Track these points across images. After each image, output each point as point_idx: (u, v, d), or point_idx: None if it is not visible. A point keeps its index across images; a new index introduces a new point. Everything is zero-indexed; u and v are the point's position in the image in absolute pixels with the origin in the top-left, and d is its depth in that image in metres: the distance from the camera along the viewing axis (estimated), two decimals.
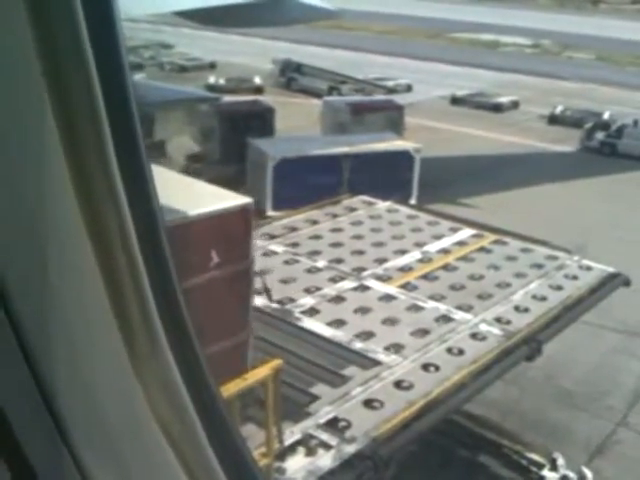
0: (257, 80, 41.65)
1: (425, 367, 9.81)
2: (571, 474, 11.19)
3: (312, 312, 11.10)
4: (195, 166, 24.47)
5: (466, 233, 14.78)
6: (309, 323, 10.75)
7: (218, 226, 7.62)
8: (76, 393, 1.25)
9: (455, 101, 40.86)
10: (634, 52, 58.59)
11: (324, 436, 8.24)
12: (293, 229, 14.50)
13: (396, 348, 10.19)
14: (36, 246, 1.16)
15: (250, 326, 8.50)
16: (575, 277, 12.97)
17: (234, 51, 49.94)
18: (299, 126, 29.10)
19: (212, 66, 46.45)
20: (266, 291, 10.66)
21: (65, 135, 1.12)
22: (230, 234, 7.89)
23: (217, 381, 1.48)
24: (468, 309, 11.50)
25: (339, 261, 13.05)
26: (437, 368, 9.79)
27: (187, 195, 7.24)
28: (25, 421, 1.23)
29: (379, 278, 12.51)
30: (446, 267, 13.14)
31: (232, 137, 24.67)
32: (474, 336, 10.70)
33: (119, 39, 1.16)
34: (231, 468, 1.44)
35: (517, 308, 11.65)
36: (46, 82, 1.09)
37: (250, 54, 49.19)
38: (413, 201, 21.34)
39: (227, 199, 8.09)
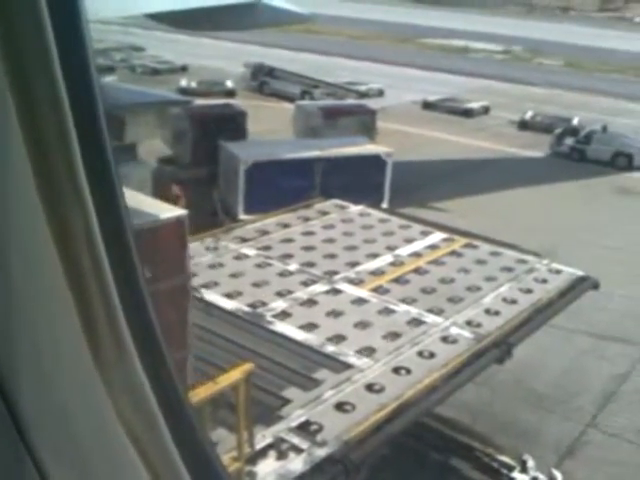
0: (229, 83, 41.55)
1: (396, 370, 9.82)
2: (541, 476, 11.27)
3: (284, 315, 11.07)
4: (167, 169, 24.34)
5: (437, 237, 14.86)
6: (281, 326, 10.72)
7: (150, 240, 7.15)
8: (40, 399, 1.23)
9: (427, 106, 41.10)
10: (601, 58, 59.50)
11: (295, 440, 8.21)
12: (265, 232, 14.46)
13: (368, 351, 10.20)
14: None
15: (189, 344, 8.10)
16: (545, 280, 13.08)
17: (205, 54, 49.80)
18: (271, 130, 29.08)
19: (184, 69, 46.24)
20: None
21: (29, 137, 1.09)
22: (163, 248, 7.46)
23: (187, 386, 1.47)
24: (439, 312, 11.55)
25: (311, 265, 13.04)
26: (408, 371, 9.80)
27: None
28: None
29: (351, 282, 12.52)
30: (417, 270, 13.19)
31: (204, 140, 24.56)
32: (445, 339, 10.74)
33: (86, 40, 1.14)
34: (199, 474, 1.43)
35: (487, 311, 11.72)
36: (9, 82, 1.06)
37: (222, 57, 49.09)
38: (385, 205, 21.39)
39: (160, 211, 7.66)
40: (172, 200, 21.13)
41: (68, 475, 1.27)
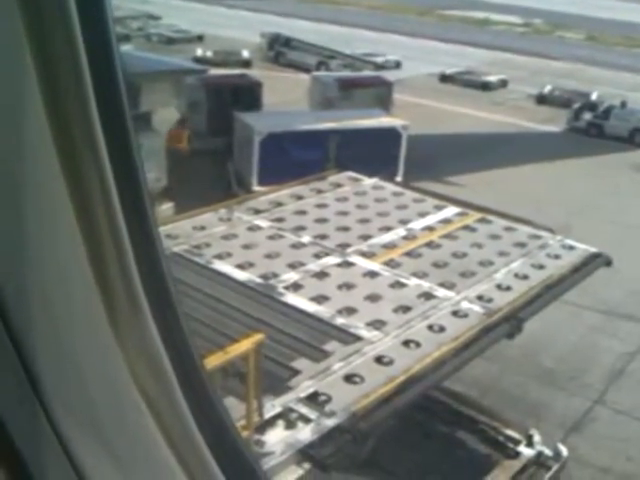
0: (245, 53, 41.34)
1: (406, 343, 9.84)
2: (547, 450, 11.33)
3: (295, 287, 11.10)
4: None
5: (451, 211, 14.79)
6: (292, 298, 10.76)
7: None
8: (55, 360, 1.25)
9: (444, 79, 40.77)
10: (623, 32, 58.60)
11: (304, 410, 8.28)
12: (278, 204, 14.45)
13: (378, 324, 10.22)
14: (13, 211, 1.15)
15: None
16: (557, 256, 13.02)
17: (222, 24, 49.49)
18: (287, 101, 28.97)
19: (200, 38, 46.02)
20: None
21: (51, 108, 1.11)
22: None
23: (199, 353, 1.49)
24: (450, 287, 11.54)
25: (323, 237, 13.04)
26: (418, 344, 9.83)
27: None
28: (2, 387, 1.23)
29: (363, 254, 12.52)
30: (430, 244, 13.15)
31: (219, 110, 24.53)
32: (456, 313, 10.74)
33: (106, 8, 1.15)
34: (212, 436, 1.45)
35: (499, 286, 11.70)
36: (30, 48, 1.07)
37: (238, 27, 48.78)
38: (399, 178, 21.33)
39: None
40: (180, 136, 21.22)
41: (82, 435, 1.30)
